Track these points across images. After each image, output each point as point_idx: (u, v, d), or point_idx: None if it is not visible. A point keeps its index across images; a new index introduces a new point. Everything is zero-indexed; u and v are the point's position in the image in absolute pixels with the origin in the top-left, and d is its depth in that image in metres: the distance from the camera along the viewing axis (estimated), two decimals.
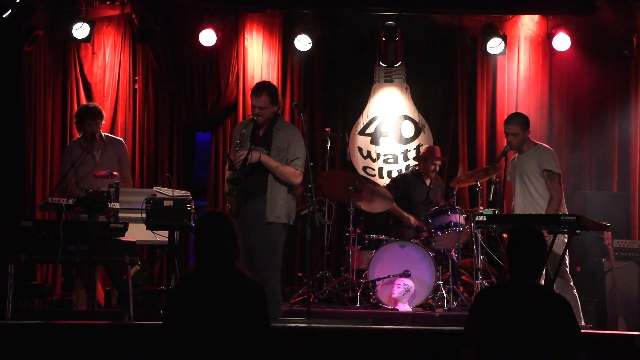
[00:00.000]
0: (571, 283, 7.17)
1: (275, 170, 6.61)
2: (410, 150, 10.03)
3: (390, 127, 10.08)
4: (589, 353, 4.36)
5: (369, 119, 10.10)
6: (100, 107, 8.09)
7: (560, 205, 7.23)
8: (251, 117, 6.83)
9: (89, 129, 7.83)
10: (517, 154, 7.55)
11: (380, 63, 9.81)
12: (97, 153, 7.84)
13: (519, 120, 7.53)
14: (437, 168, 9.20)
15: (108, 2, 9.64)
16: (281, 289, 6.90)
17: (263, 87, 6.79)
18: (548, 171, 7.26)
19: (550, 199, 7.19)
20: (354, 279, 8.47)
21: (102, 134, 8.01)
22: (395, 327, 6.41)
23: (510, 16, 9.70)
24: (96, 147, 7.87)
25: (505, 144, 9.11)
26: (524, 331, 4.28)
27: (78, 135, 9.31)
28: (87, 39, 9.16)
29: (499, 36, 9.39)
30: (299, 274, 9.41)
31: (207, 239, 4.17)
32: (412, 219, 8.86)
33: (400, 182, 9.16)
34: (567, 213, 7.14)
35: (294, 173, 6.65)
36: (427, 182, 9.18)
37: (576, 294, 7.14)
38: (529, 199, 7.29)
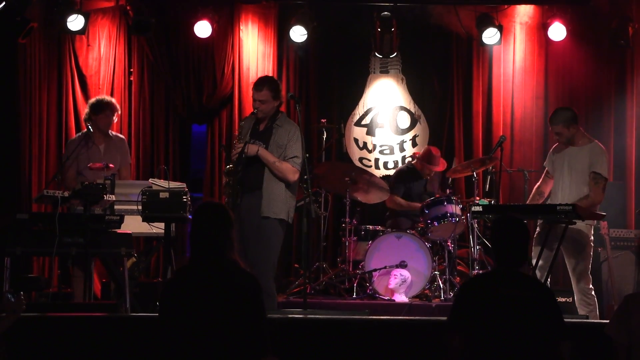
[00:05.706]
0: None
1: (272, 166, 6.57)
2: (406, 141, 10.02)
3: (386, 118, 10.06)
4: (575, 343, 4.37)
5: (365, 110, 10.08)
6: (116, 103, 8.01)
7: (593, 207, 6.84)
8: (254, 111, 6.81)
9: (104, 121, 7.75)
10: (566, 146, 7.05)
11: (376, 54, 9.83)
12: (102, 146, 7.80)
13: (560, 118, 7.00)
14: (433, 174, 9.11)
15: None
16: (274, 284, 6.79)
17: (264, 81, 6.76)
18: (595, 173, 6.86)
19: (587, 196, 6.82)
20: (351, 270, 8.48)
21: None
22: (392, 317, 6.42)
23: (506, 6, 9.70)
24: (102, 141, 7.83)
25: (500, 134, 9.18)
26: (511, 319, 4.29)
27: (73, 127, 9.36)
28: (82, 31, 9.14)
29: (494, 26, 9.37)
30: (296, 265, 9.41)
31: (200, 229, 4.18)
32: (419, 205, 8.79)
33: (402, 178, 9.09)
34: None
35: (291, 170, 6.61)
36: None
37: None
38: (578, 195, 6.88)
